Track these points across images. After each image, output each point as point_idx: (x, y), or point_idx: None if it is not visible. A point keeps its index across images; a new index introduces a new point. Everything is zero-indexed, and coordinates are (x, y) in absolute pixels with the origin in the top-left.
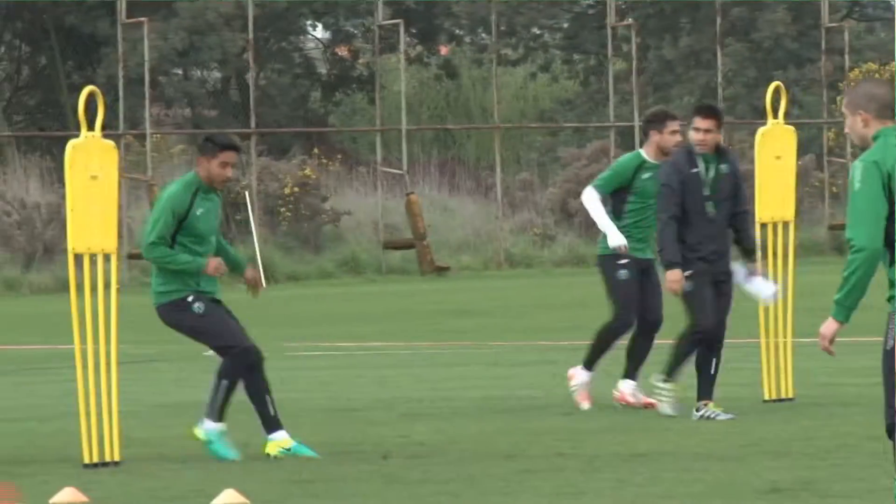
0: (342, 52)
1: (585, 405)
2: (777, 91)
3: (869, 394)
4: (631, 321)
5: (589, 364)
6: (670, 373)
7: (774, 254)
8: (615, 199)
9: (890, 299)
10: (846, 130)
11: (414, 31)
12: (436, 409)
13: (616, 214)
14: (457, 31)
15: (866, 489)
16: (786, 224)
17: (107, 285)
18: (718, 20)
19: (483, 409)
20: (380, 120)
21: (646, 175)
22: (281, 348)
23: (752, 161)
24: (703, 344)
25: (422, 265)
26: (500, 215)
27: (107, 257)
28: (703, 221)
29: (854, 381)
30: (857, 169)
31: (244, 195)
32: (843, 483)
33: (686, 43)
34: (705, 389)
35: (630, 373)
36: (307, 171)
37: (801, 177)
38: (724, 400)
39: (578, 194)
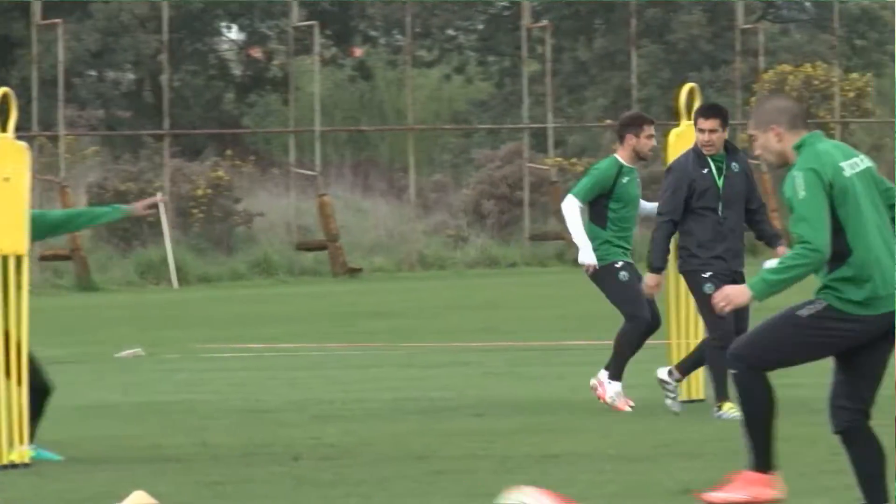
0: (256, 53)
1: (628, 408)
2: (691, 92)
3: (781, 395)
4: (645, 316)
5: (616, 375)
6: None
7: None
8: (595, 207)
9: (818, 290)
10: (757, 152)
11: (329, 32)
12: (348, 410)
13: (598, 222)
14: (371, 33)
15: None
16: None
17: (18, 286)
18: (633, 21)
19: (395, 411)
20: (293, 121)
21: (625, 179)
22: (194, 350)
23: (664, 161)
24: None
25: (334, 267)
26: (413, 217)
27: (18, 259)
28: (714, 222)
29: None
30: (797, 178)
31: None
32: None
33: (600, 44)
34: (721, 390)
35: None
36: (220, 173)
37: None
38: (636, 401)
39: (492, 195)
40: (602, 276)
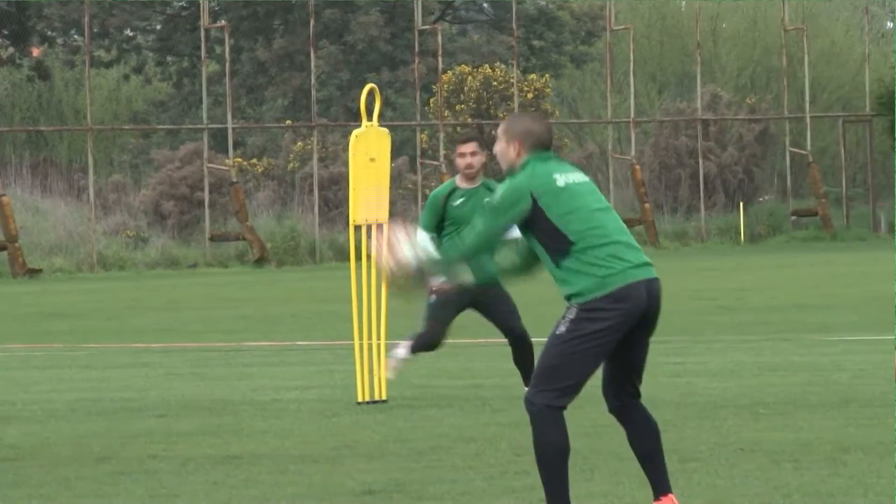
0: None
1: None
2: (371, 93)
3: (462, 395)
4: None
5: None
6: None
7: (369, 256)
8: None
9: (568, 298)
10: (496, 151)
11: (6, 32)
12: (28, 411)
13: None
14: (49, 33)
15: (460, 491)
16: (380, 226)
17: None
18: (312, 22)
19: (76, 412)
20: None
21: (456, 202)
22: None
23: (345, 163)
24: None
25: (13, 267)
26: (92, 217)
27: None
28: None
29: (448, 383)
30: (504, 187)
31: None
32: (436, 485)
33: (280, 45)
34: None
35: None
36: None
37: (395, 179)
38: (317, 402)
39: (172, 196)
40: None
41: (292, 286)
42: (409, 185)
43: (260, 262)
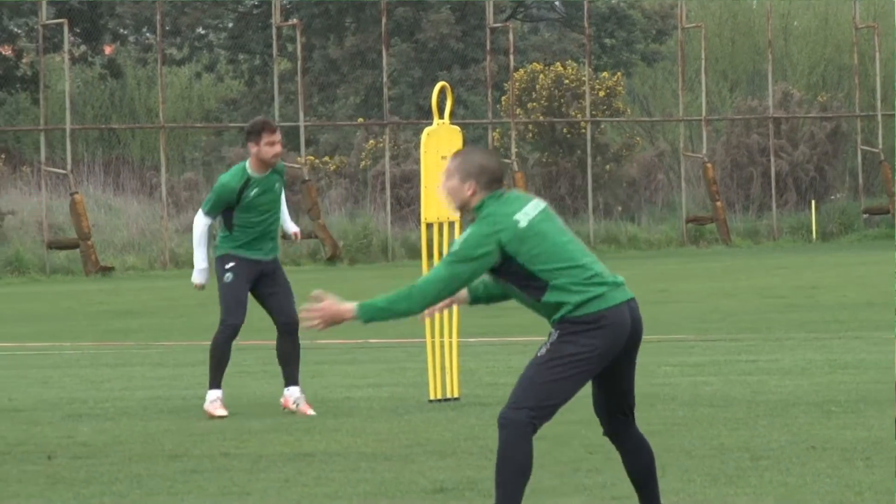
0: (5, 51)
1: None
2: (443, 91)
3: None
4: (236, 324)
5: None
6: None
7: (441, 253)
8: (224, 217)
9: (551, 322)
10: (443, 188)
11: (78, 30)
12: (100, 409)
13: (226, 229)
14: (121, 31)
15: (531, 489)
16: (451, 223)
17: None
18: (383, 20)
19: (148, 410)
20: (44, 119)
21: (252, 192)
22: None
23: (417, 161)
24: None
25: (86, 265)
26: (164, 215)
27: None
28: None
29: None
30: (470, 233)
31: None
32: None
33: (351, 42)
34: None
35: (290, 380)
36: None
37: None
38: (389, 399)
39: None
40: (216, 267)
41: (365, 284)
42: None
43: (332, 260)
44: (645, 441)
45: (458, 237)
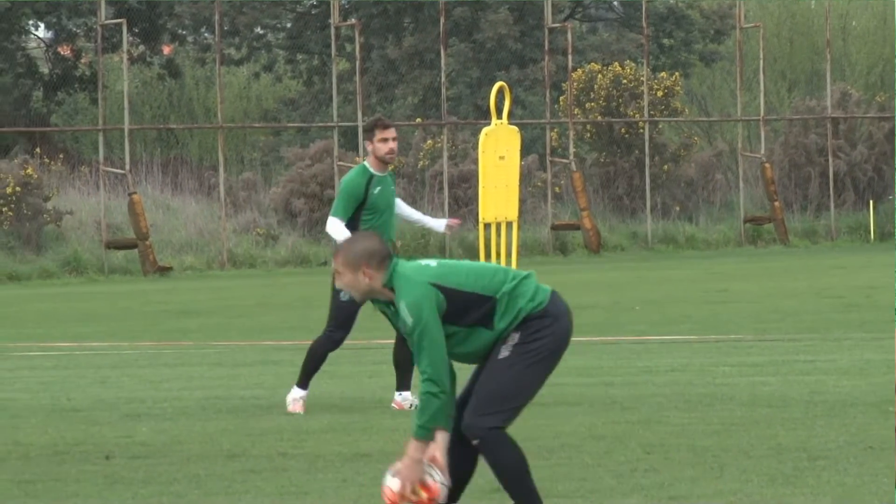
0: (64, 51)
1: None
2: (501, 91)
3: (591, 393)
4: (341, 339)
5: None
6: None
7: (498, 253)
8: (350, 220)
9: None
10: (343, 285)
11: (136, 30)
12: (159, 409)
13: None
14: (179, 31)
15: (589, 489)
16: (509, 223)
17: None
18: (442, 20)
19: (206, 409)
20: (102, 119)
21: (376, 190)
22: (3, 349)
23: (475, 161)
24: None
25: (145, 265)
26: (223, 215)
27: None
28: None
29: (576, 381)
30: (407, 310)
31: None
32: (565, 483)
33: (410, 43)
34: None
35: (402, 385)
36: (29, 171)
37: (525, 177)
38: None
39: (302, 194)
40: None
41: None
42: (539, 184)
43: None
44: (517, 445)
45: (404, 319)
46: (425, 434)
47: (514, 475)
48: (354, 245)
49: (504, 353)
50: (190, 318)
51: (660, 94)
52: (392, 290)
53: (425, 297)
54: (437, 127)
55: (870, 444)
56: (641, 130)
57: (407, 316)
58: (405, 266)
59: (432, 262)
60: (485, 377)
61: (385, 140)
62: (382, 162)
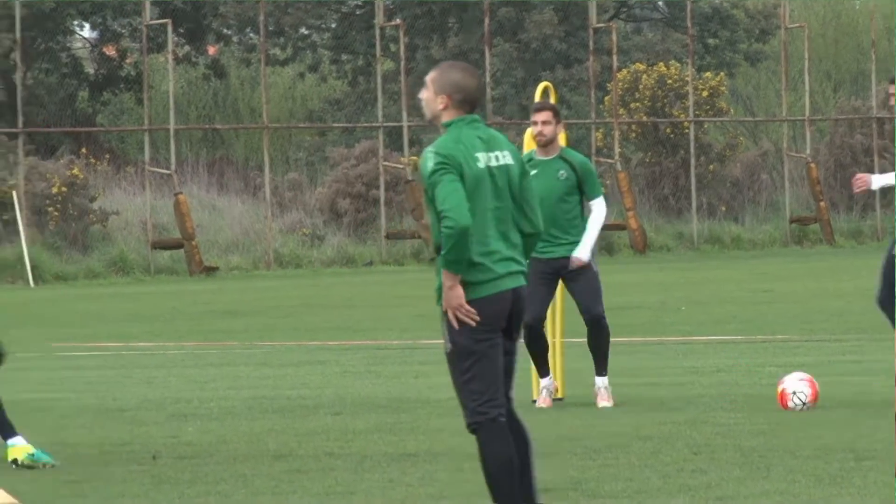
0: (110, 51)
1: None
2: (546, 91)
3: (638, 393)
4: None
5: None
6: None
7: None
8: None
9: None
10: (421, 97)
11: (182, 30)
12: (205, 409)
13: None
14: (225, 31)
15: (636, 489)
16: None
17: None
18: (486, 20)
19: (252, 410)
20: (148, 119)
21: (533, 172)
22: (49, 349)
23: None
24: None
25: (190, 265)
26: (268, 215)
27: None
28: None
29: (623, 381)
30: (429, 160)
31: (11, 195)
32: (612, 483)
33: (454, 43)
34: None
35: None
36: (75, 171)
37: None
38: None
39: (348, 194)
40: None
41: None
42: None
43: (436, 260)
44: (524, 431)
45: (425, 162)
46: (448, 265)
47: (495, 474)
48: (454, 73)
49: (448, 345)
50: (236, 319)
51: (705, 94)
52: (446, 128)
53: (453, 156)
54: None
55: None
56: (686, 130)
57: (425, 163)
58: (467, 135)
59: (491, 162)
60: (450, 371)
61: (535, 123)
62: (537, 146)
